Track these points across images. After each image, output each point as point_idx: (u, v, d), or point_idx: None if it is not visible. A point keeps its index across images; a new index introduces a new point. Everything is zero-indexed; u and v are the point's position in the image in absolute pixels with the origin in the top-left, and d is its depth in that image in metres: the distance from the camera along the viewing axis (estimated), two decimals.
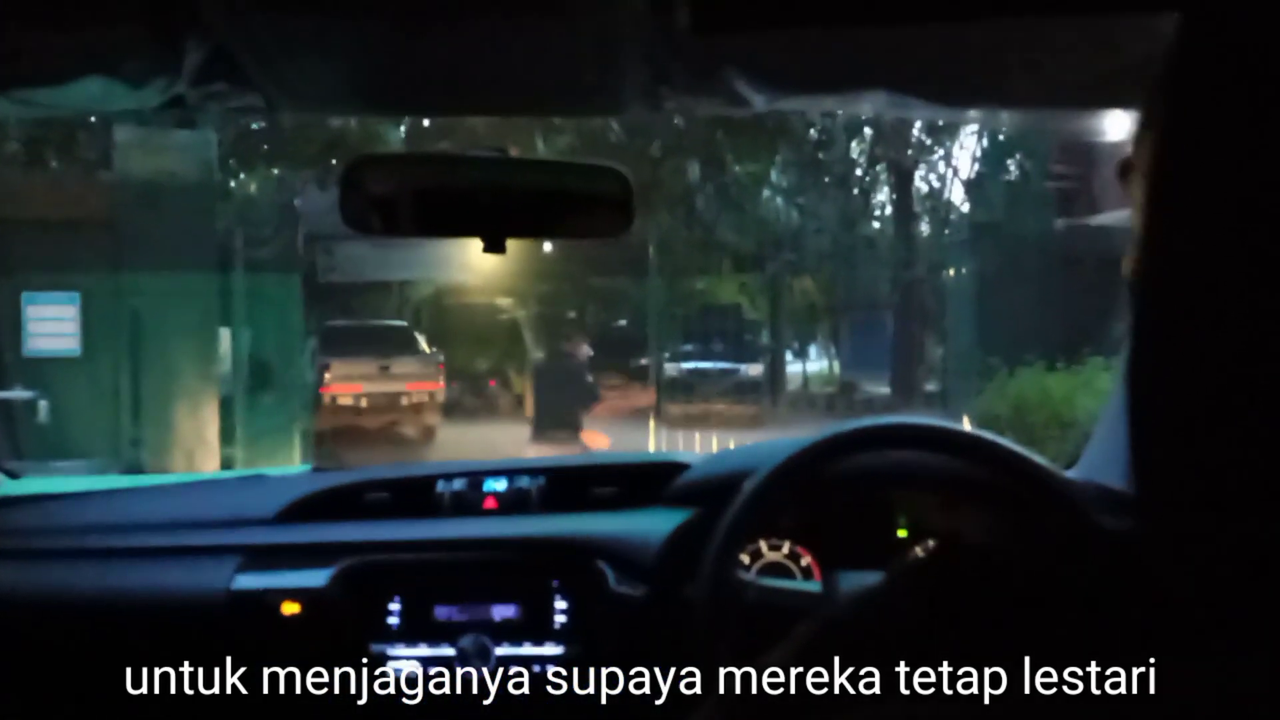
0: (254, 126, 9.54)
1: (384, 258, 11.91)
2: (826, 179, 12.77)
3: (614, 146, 9.49)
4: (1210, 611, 0.34)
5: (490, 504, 1.43)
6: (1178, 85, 0.37)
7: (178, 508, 1.45)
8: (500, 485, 1.44)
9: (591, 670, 1.30)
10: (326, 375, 10.79)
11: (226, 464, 7.47)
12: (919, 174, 13.51)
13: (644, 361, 16.50)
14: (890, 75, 0.96)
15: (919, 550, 1.36)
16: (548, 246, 12.05)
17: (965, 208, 13.13)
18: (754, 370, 13.21)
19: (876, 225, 13.79)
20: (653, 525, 1.35)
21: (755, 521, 1.22)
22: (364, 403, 10.86)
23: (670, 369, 13.38)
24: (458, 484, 1.44)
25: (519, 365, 14.77)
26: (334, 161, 9.10)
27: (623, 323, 19.09)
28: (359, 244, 11.44)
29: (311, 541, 1.36)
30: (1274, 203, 0.33)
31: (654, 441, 10.83)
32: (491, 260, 11.57)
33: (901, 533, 1.39)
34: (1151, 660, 0.32)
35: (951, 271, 10.58)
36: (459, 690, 1.29)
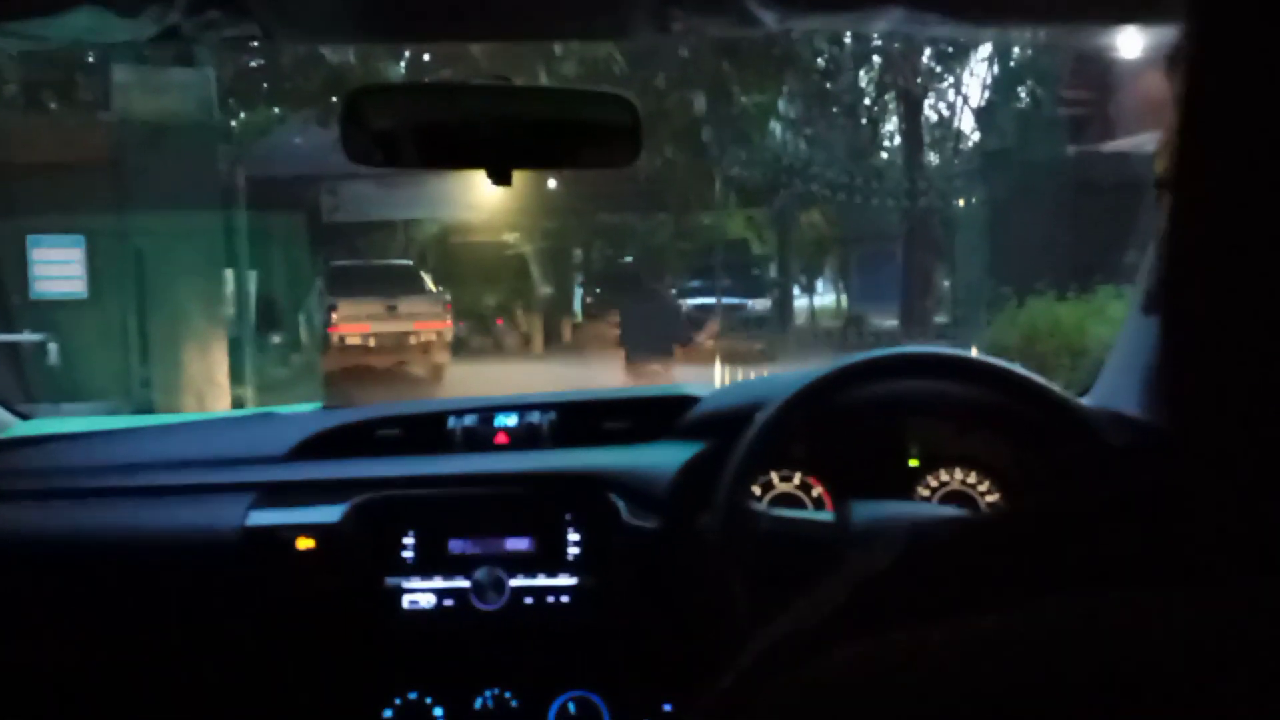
0: (252, 64, 9.42)
1: (388, 197, 11.84)
2: (834, 109, 12.56)
3: (618, 78, 9.34)
4: (1235, 536, 0.33)
5: (502, 439, 1.44)
6: None
7: (190, 446, 1.45)
8: (511, 420, 1.44)
9: (605, 600, 1.31)
10: (334, 315, 10.83)
11: (236, 404, 7.53)
12: (928, 102, 13.30)
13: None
14: None
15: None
16: (553, 182, 11.96)
17: (975, 137, 12.96)
18: (761, 305, 13.19)
19: (885, 156, 13.61)
20: (665, 458, 1.35)
21: (768, 452, 1.22)
22: (372, 342, 10.90)
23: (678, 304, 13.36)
24: (469, 419, 1.44)
25: (526, 303, 14.78)
26: (334, 100, 9.01)
27: (629, 259, 19.05)
28: (363, 183, 11.38)
29: (324, 478, 1.36)
30: None
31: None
32: (496, 197, 11.54)
33: (913, 462, 1.39)
34: (1174, 584, 0.32)
35: (961, 202, 10.46)
36: (474, 622, 1.31)
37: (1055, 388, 1.22)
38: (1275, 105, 0.32)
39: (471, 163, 1.14)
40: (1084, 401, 1.36)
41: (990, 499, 1.37)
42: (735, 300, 13.21)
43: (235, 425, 1.59)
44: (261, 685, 1.34)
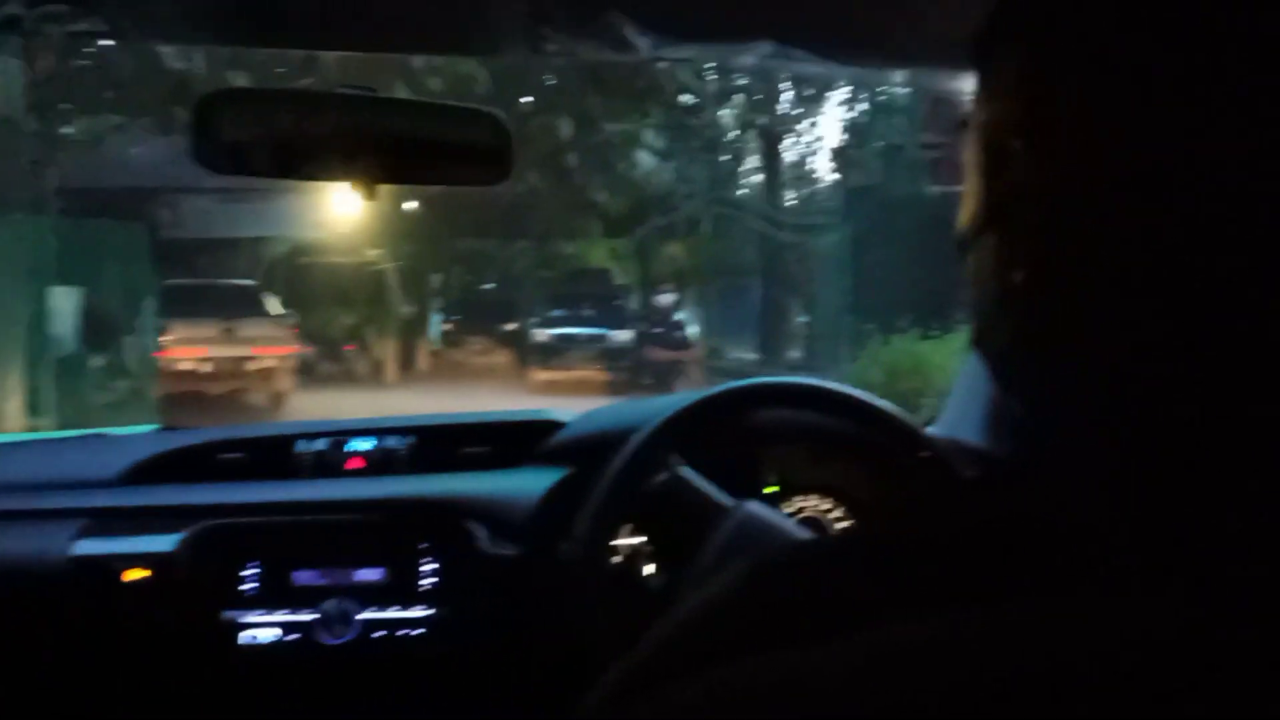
0: (87, 69, 8.95)
1: (232, 213, 11.40)
2: (697, 144, 12.86)
3: (481, 98, 9.30)
4: (1071, 557, 0.35)
5: (354, 464, 1.41)
6: (1012, 41, 0.38)
7: (12, 469, 1.37)
8: (365, 445, 1.42)
9: (460, 632, 1.30)
10: (164, 338, 10.30)
11: (60, 428, 7.05)
12: (788, 140, 13.79)
13: (512, 326, 16.37)
14: (776, 25, 0.98)
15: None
16: (410, 204, 11.78)
17: (834, 176, 13.51)
18: (624, 336, 13.29)
19: (746, 191, 14.00)
20: (526, 484, 1.35)
21: (634, 479, 1.24)
22: (207, 368, 10.41)
23: (538, 334, 13.30)
24: (319, 444, 1.41)
25: (380, 328, 14.44)
26: (176, 109, 8.66)
27: (490, 286, 18.89)
28: (204, 198, 10.93)
29: (159, 504, 1.30)
30: (1105, 162, 0.34)
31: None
32: (349, 217, 11.25)
33: (771, 489, 1.43)
34: (1016, 602, 0.33)
35: (823, 238, 10.81)
36: (319, 657, 1.27)
37: (904, 416, 1.29)
38: (1055, 159, 0.36)
39: (334, 175, 1.12)
40: (931, 430, 1.43)
41: (843, 525, 1.43)
42: (598, 331, 13.25)
43: (63, 447, 1.51)
44: None
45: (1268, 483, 0.32)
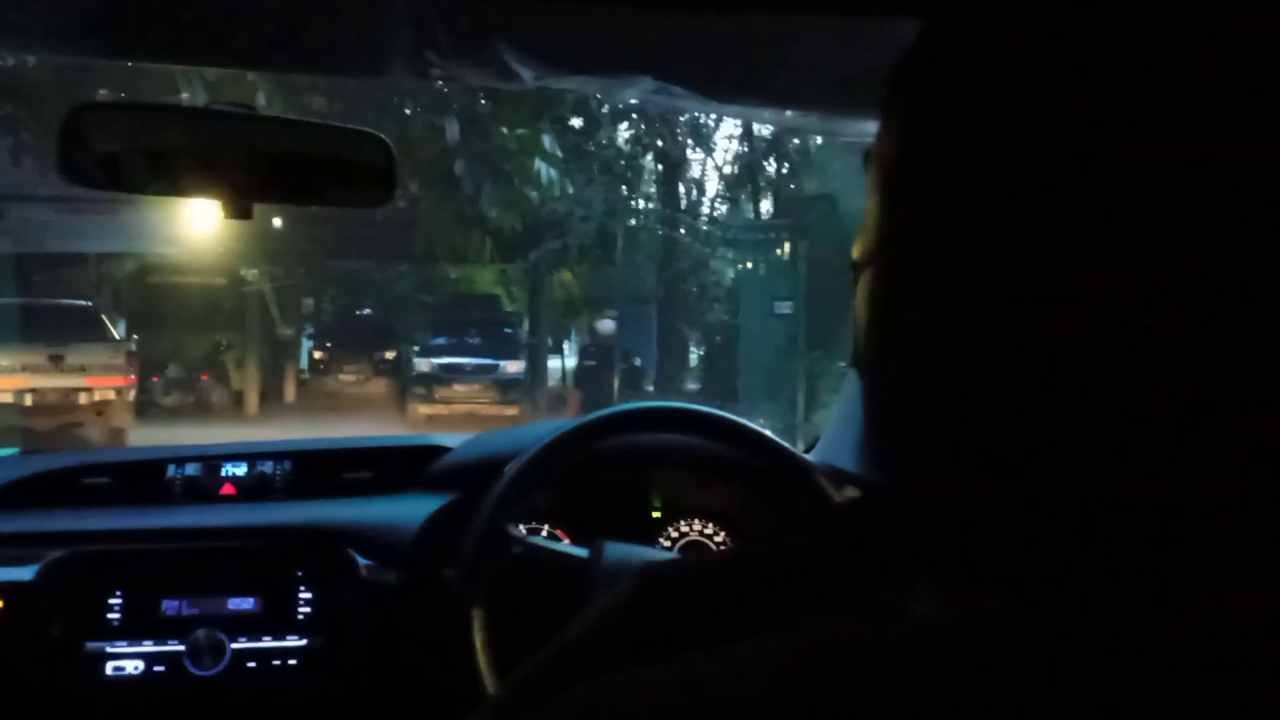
0: None
1: (72, 226, 10.95)
2: (594, 166, 12.88)
3: (354, 95, 9.11)
4: (933, 569, 0.41)
5: (228, 490, 1.46)
6: (912, 88, 0.43)
7: None
8: (240, 470, 1.47)
9: (338, 662, 1.36)
10: None
11: None
12: (684, 168, 13.98)
13: (389, 355, 16.15)
14: (658, 63, 1.08)
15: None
16: (278, 221, 11.56)
17: (726, 208, 13.70)
18: (515, 367, 13.18)
19: (643, 219, 14.04)
20: (409, 510, 1.42)
21: (517, 503, 1.32)
22: (28, 400, 9.73)
23: (420, 363, 13.08)
24: (191, 469, 1.46)
25: (240, 356, 14.07)
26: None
27: (367, 311, 18.63)
28: (40, 208, 10.48)
29: (17, 531, 1.33)
30: (990, 200, 0.38)
31: None
32: (207, 234, 10.87)
33: (656, 513, 1.54)
34: (881, 617, 0.39)
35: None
36: (188, 689, 1.32)
37: (782, 442, 1.41)
38: (943, 199, 0.41)
39: (209, 193, 1.15)
40: (810, 456, 1.56)
41: (724, 548, 1.55)
42: (487, 360, 13.10)
43: None
44: None
45: (1131, 507, 0.34)
